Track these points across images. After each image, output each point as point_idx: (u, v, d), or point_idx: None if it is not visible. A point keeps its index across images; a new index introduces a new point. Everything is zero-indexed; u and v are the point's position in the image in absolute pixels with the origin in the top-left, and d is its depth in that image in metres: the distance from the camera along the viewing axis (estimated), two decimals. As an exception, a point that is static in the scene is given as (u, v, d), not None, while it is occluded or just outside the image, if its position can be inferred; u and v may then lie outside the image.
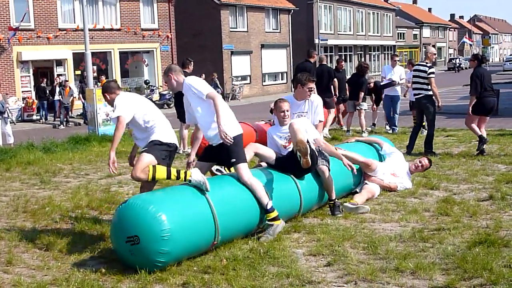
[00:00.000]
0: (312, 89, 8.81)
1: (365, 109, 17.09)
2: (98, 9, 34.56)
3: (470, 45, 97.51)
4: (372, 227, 7.55)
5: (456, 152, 13.27)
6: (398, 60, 18.34)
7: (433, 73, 13.15)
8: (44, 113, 29.03)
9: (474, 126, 13.08)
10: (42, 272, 6.27)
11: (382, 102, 18.31)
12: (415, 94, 13.54)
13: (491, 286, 5.43)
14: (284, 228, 7.35)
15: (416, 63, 14.66)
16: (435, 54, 14.12)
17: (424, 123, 13.85)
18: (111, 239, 6.52)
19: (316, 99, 9.07)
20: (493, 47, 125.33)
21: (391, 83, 17.50)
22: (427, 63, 13.44)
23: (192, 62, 14.72)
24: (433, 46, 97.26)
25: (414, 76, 13.60)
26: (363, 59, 58.21)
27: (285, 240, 7.05)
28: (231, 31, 44.21)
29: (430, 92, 13.13)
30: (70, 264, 6.49)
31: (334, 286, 5.66)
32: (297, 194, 7.80)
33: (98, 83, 28.31)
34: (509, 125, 17.74)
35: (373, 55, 70.56)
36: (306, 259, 6.44)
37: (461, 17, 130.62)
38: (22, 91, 30.73)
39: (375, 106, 18.41)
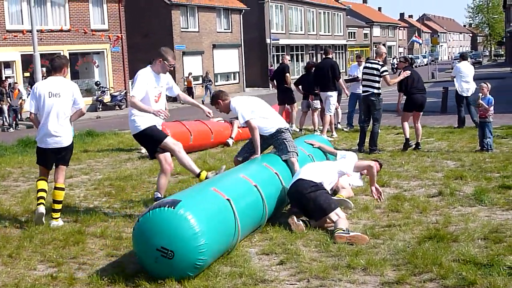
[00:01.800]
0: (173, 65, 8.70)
1: (318, 108, 17.17)
2: (47, 10, 33.98)
3: (420, 43, 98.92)
4: (324, 225, 7.61)
5: (407, 149, 13.45)
6: (361, 60, 18.32)
7: (386, 71, 13.51)
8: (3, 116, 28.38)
9: (406, 126, 13.53)
10: (-9, 278, 6.16)
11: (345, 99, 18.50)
12: (363, 91, 13.78)
13: (441, 280, 5.52)
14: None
15: (367, 60, 14.72)
16: (385, 53, 14.39)
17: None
18: (137, 234, 6.00)
19: None
20: (442, 45, 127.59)
21: (355, 79, 17.61)
22: (378, 61, 13.69)
23: None
24: (383, 45, 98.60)
25: (364, 73, 13.81)
26: (314, 59, 58.53)
27: (238, 240, 7.07)
28: (182, 31, 44.03)
29: (379, 91, 13.43)
30: (20, 269, 6.39)
31: (287, 284, 5.69)
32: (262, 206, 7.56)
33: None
34: (457, 123, 17.93)
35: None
36: (259, 258, 6.47)
37: (410, 16, 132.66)
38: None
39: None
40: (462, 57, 18.69)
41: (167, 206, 5.87)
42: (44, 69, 29.69)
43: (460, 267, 5.75)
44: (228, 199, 6.54)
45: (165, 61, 8.33)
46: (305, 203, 7.54)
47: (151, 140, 8.45)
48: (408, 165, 11.44)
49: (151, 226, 5.86)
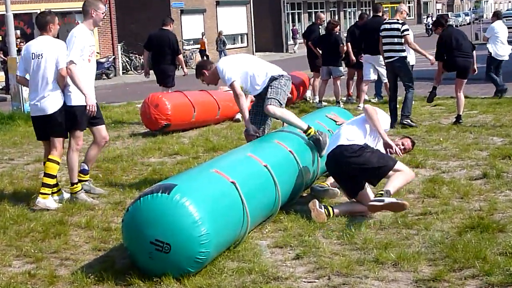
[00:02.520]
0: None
1: (342, 75, 17.08)
2: (20, -38, 33.92)
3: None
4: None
5: (445, 123, 13.38)
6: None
7: (407, 29, 13.59)
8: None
9: (460, 95, 13.50)
10: (-41, 276, 6.20)
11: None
12: (386, 58, 13.80)
13: (485, 277, 5.50)
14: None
15: (385, 21, 14.71)
16: (406, 11, 14.66)
17: None
18: (127, 226, 6.01)
19: None
20: (487, 1, 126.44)
21: None
22: (398, 20, 13.80)
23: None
24: (418, 0, 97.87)
25: (384, 36, 13.77)
26: (336, 18, 58.16)
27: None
28: (180, -14, 43.83)
29: (404, 53, 13.56)
30: (-7, 265, 6.44)
31: (304, 282, 5.68)
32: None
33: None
34: (507, 92, 17.83)
35: (349, 12, 70.49)
36: (271, 251, 6.46)
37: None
38: None
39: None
40: (497, 15, 18.66)
41: (160, 191, 5.82)
42: (18, 31, 29.72)
43: (507, 261, 5.72)
44: (233, 182, 6.48)
45: (97, 10, 8.73)
46: (352, 170, 7.53)
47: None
48: (447, 142, 11.38)
49: (143, 216, 5.82)
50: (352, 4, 70.47)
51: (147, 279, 5.76)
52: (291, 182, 7.85)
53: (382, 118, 8.22)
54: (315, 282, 5.67)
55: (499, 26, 17.66)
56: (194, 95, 15.26)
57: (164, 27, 15.96)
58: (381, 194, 7.12)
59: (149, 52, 15.96)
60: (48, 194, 8.45)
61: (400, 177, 7.41)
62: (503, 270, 5.56)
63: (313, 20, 20.12)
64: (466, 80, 13.77)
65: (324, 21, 18.73)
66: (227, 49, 43.46)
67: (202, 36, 41.39)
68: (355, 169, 7.50)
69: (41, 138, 8.98)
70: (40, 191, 8.42)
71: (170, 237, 5.71)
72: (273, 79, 8.63)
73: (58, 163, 8.67)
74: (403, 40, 13.49)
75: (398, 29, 13.49)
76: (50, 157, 8.58)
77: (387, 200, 6.97)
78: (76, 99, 8.58)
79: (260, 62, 9.08)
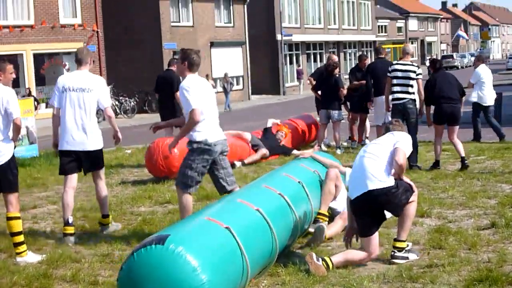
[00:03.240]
0: None
1: (342, 119, 17.07)
2: (6, 3, 34.10)
3: (466, 39, 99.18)
4: (349, 266, 7.55)
5: (451, 170, 13.37)
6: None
7: (421, 73, 13.84)
8: None
9: (437, 143, 13.98)
10: None
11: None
12: (397, 99, 13.94)
13: (495, 334, 5.47)
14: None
15: (396, 62, 14.96)
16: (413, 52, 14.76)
17: None
18: (123, 286, 5.93)
19: None
20: (493, 40, 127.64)
21: None
22: (412, 62, 14.10)
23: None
24: (422, 40, 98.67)
25: (396, 77, 13.99)
26: (337, 59, 58.51)
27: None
28: (172, 26, 43.97)
29: (415, 96, 13.78)
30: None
31: None
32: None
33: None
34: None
35: (349, 53, 71.03)
36: (269, 307, 6.42)
37: (455, 5, 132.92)
38: None
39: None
40: (481, 59, 18.64)
41: (154, 243, 5.78)
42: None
43: (518, 317, 5.70)
44: (227, 227, 6.44)
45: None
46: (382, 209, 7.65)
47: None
48: (453, 190, 11.35)
49: (139, 272, 5.74)
50: (352, 45, 71.04)
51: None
52: (285, 227, 7.82)
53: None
54: None
55: (484, 71, 17.76)
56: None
57: (169, 67, 16.14)
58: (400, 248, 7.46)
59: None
60: (25, 250, 8.44)
61: (408, 219, 7.64)
62: (514, 327, 5.53)
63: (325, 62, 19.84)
64: (458, 126, 13.92)
65: (337, 64, 18.70)
66: (220, 91, 43.70)
67: (207, 77, 41.91)
68: (384, 208, 7.61)
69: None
70: (16, 251, 8.43)
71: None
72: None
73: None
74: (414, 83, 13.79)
75: (414, 72, 13.81)
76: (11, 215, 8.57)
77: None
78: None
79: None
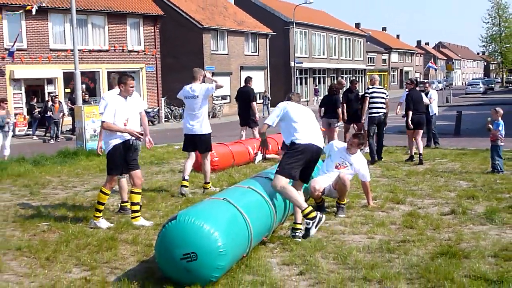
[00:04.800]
0: None
1: (338, 126, 16.98)
2: (88, 31, 34.40)
3: (435, 69, 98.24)
4: (342, 239, 7.54)
5: (421, 169, 13.34)
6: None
7: (388, 95, 15.53)
8: (34, 128, 28.72)
9: (412, 143, 14.92)
10: (30, 279, 6.18)
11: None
12: (376, 113, 14.90)
13: (452, 295, 5.44)
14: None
15: (374, 86, 15.53)
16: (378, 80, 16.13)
17: None
18: (159, 256, 5.97)
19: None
20: (456, 71, 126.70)
21: None
22: (381, 87, 15.78)
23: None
24: (401, 70, 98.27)
25: (375, 97, 15.01)
26: (335, 81, 58.41)
27: (261, 250, 7.01)
28: (212, 54, 44.18)
29: (385, 111, 15.14)
30: (56, 271, 6.41)
31: (306, 294, 5.63)
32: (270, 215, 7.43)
33: (87, 101, 28.29)
34: (471, 145, 17.88)
35: (345, 77, 70.73)
36: (280, 268, 6.40)
37: (427, 43, 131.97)
38: (14, 107, 30.38)
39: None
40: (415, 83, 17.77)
41: (169, 221, 5.98)
42: (84, 86, 30.01)
43: (471, 283, 5.66)
44: (224, 199, 6.61)
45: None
46: None
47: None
48: (422, 184, 11.33)
49: (167, 240, 5.87)
50: (348, 71, 70.79)
51: (180, 286, 5.72)
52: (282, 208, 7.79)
53: None
54: (314, 294, 5.62)
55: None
56: (233, 146, 14.92)
57: (246, 83, 16.29)
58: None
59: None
60: (138, 216, 8.63)
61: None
62: (467, 290, 5.50)
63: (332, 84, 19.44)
64: (422, 131, 14.91)
65: (344, 86, 18.71)
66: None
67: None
68: None
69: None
70: (132, 216, 8.65)
71: (194, 246, 5.71)
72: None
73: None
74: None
75: (385, 93, 15.25)
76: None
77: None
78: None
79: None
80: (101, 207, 8.57)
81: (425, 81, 18.90)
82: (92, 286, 5.90)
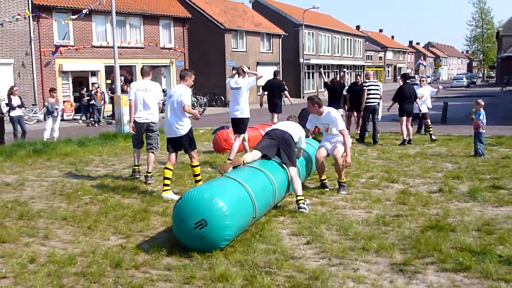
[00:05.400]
0: None
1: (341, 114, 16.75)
2: (126, 31, 34.32)
3: (424, 66, 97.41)
4: (343, 213, 7.44)
5: (412, 152, 13.16)
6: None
7: (381, 88, 15.95)
8: (82, 114, 28.83)
9: (404, 128, 14.71)
10: (73, 245, 6.15)
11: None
12: (372, 102, 15.32)
13: (441, 264, 5.32)
14: (272, 212, 7.27)
15: (370, 80, 15.92)
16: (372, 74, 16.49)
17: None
18: (178, 231, 5.89)
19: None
20: (443, 68, 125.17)
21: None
22: (376, 81, 15.92)
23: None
24: (395, 66, 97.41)
25: (372, 89, 15.45)
26: (338, 76, 58.01)
27: (273, 222, 6.93)
28: (232, 51, 43.97)
29: (379, 101, 15.66)
30: (96, 238, 6.37)
31: (312, 261, 5.53)
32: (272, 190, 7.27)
33: (126, 91, 28.42)
34: (455, 131, 17.62)
35: (347, 72, 70.20)
36: (290, 238, 6.32)
37: (418, 43, 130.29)
38: (63, 96, 30.51)
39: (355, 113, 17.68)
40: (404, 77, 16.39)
41: (178, 200, 5.94)
42: (122, 77, 30.01)
43: (457, 253, 5.54)
44: (222, 175, 6.60)
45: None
46: None
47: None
48: (413, 166, 11.16)
49: (182, 215, 5.80)
50: (349, 67, 70.21)
51: (203, 253, 5.66)
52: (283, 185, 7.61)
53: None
54: (320, 261, 5.53)
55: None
56: (248, 131, 14.74)
57: (275, 76, 16.25)
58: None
59: (264, 92, 15.95)
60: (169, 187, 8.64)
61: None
62: (454, 260, 5.38)
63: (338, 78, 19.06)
64: (411, 118, 15.08)
65: (345, 80, 18.61)
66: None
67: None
68: None
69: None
70: (164, 189, 8.58)
71: (203, 214, 5.67)
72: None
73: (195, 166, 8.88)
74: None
75: (379, 86, 15.63)
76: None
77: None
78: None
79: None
80: (199, 177, 8.85)
81: (422, 76, 18.13)
82: (127, 252, 5.85)
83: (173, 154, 8.73)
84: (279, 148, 7.75)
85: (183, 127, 8.47)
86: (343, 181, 8.94)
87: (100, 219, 7.17)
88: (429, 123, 16.13)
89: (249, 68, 12.45)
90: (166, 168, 8.65)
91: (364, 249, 5.79)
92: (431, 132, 15.76)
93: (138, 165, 10.40)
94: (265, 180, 7.05)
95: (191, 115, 8.58)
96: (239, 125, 11.21)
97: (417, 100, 15.59)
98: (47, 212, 7.61)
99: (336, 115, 8.89)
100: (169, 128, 8.53)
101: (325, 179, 9.13)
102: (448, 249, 5.67)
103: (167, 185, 8.58)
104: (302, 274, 5.13)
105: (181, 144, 8.61)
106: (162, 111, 11.83)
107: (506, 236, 6.07)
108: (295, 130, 8.12)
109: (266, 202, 6.92)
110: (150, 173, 9.80)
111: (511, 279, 4.88)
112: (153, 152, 9.92)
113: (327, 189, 8.93)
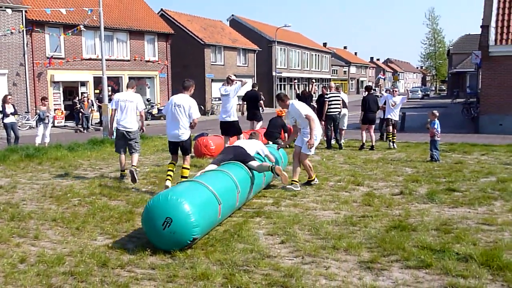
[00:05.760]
0: None
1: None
2: (113, 45, 33.85)
3: (384, 79, 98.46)
4: (315, 214, 7.33)
5: (375, 158, 13.16)
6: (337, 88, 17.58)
7: (341, 98, 15.87)
8: (76, 120, 28.23)
9: (363, 134, 14.99)
10: (62, 245, 5.91)
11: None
12: (334, 111, 15.23)
13: (405, 261, 5.24)
14: (249, 214, 7.13)
15: (331, 92, 15.64)
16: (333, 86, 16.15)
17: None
18: (150, 235, 5.67)
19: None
20: (400, 81, 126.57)
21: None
22: (336, 92, 15.76)
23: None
24: (357, 80, 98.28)
25: (334, 100, 15.30)
26: (307, 88, 58.19)
27: (250, 223, 6.79)
28: (211, 65, 43.78)
29: (339, 110, 15.45)
30: (84, 239, 6.15)
31: (287, 259, 5.40)
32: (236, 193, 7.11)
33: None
34: (413, 139, 17.75)
35: (315, 84, 70.49)
36: (266, 238, 6.18)
37: (378, 59, 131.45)
38: (54, 104, 29.92)
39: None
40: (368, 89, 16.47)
41: (147, 203, 5.76)
42: (110, 88, 29.57)
43: (419, 251, 5.46)
44: (208, 187, 6.28)
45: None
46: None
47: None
48: (376, 170, 11.14)
49: (148, 216, 5.64)
50: (317, 80, 70.46)
51: (184, 252, 5.49)
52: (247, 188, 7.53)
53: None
54: (294, 260, 5.40)
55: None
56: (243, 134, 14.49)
57: (253, 88, 15.97)
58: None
59: (244, 102, 15.71)
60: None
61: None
62: (416, 257, 5.31)
63: (304, 90, 18.89)
64: (374, 126, 15.10)
65: (316, 91, 18.56)
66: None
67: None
68: None
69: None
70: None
71: (169, 213, 5.50)
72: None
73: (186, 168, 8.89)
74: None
75: (339, 97, 15.63)
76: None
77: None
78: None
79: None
80: (171, 173, 8.85)
81: (395, 87, 17.91)
82: (113, 252, 5.64)
83: (175, 155, 8.99)
84: (235, 161, 7.96)
85: (184, 134, 8.62)
86: (311, 179, 9.34)
87: (88, 220, 6.94)
88: (395, 132, 15.77)
89: (236, 77, 12.54)
90: (170, 163, 8.93)
91: (334, 248, 5.69)
92: (394, 140, 15.37)
93: (124, 170, 10.28)
94: (229, 181, 6.93)
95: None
96: (229, 128, 11.53)
97: (392, 107, 15.56)
98: (37, 214, 7.34)
99: (298, 105, 9.18)
100: (173, 133, 8.63)
101: (312, 179, 9.43)
102: (411, 248, 5.60)
103: (170, 175, 8.74)
104: (277, 272, 5.00)
105: (181, 147, 8.77)
106: (146, 118, 11.96)
107: (462, 235, 6.04)
108: (251, 146, 8.48)
109: (230, 203, 6.83)
110: (135, 166, 9.76)
111: (468, 276, 4.83)
112: (135, 153, 10.01)
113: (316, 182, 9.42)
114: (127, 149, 10.11)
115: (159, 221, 5.53)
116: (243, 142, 8.66)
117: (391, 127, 15.62)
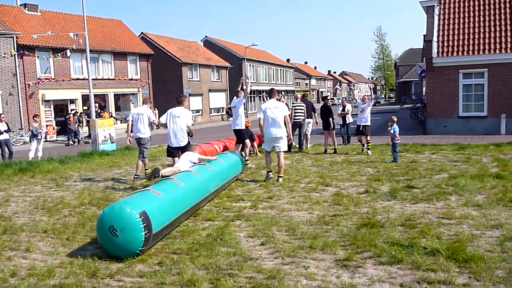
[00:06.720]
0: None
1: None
2: (99, 65, 33.00)
3: (340, 90, 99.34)
4: (290, 215, 7.02)
5: (339, 160, 12.96)
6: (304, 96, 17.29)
7: (305, 107, 15.65)
8: (69, 135, 27.20)
9: (328, 139, 14.90)
10: (53, 256, 5.45)
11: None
12: (299, 118, 15.13)
13: (377, 258, 4.98)
14: (230, 217, 6.78)
15: (297, 102, 15.62)
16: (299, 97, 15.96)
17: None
18: (104, 244, 5.32)
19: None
20: (354, 91, 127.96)
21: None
22: (301, 102, 15.70)
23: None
24: (318, 90, 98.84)
25: (299, 108, 15.26)
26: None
27: (231, 226, 6.44)
28: (188, 81, 43.21)
29: (304, 117, 15.32)
30: (75, 249, 5.70)
31: (268, 261, 5.08)
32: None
33: (100, 115, 27.41)
34: (372, 141, 17.47)
35: (284, 96, 70.52)
36: (247, 240, 5.85)
37: (335, 72, 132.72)
38: (46, 120, 28.95)
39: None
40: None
41: (102, 212, 5.34)
42: (97, 104, 28.76)
43: (389, 247, 5.21)
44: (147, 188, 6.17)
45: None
46: None
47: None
48: (341, 171, 10.91)
49: (102, 223, 5.25)
50: (283, 92, 70.45)
51: (171, 259, 5.09)
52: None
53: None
54: (274, 260, 5.08)
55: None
56: (216, 143, 13.69)
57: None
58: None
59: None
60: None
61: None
62: (387, 253, 5.06)
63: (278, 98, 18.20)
64: (334, 131, 14.93)
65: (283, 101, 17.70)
66: (214, 115, 42.69)
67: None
68: None
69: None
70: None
71: (116, 222, 5.12)
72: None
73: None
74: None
75: (303, 106, 15.42)
76: None
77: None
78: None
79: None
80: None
81: (365, 95, 17.37)
82: (103, 262, 5.22)
83: (176, 158, 9.35)
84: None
85: (184, 139, 9.54)
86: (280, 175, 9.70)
87: (78, 230, 6.48)
88: (368, 138, 14.54)
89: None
90: (168, 166, 9.28)
91: (311, 248, 5.39)
92: (369, 147, 14.27)
93: (138, 175, 10.51)
94: (179, 188, 6.50)
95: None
96: (237, 134, 11.95)
97: (361, 112, 15.05)
98: (29, 226, 6.83)
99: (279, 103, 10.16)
100: (175, 139, 9.53)
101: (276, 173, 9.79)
102: (381, 244, 5.34)
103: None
104: (260, 274, 4.67)
105: (181, 149, 9.34)
106: (158, 127, 13.06)
107: (426, 230, 5.82)
108: (191, 157, 8.41)
109: (193, 185, 6.70)
110: (137, 175, 10.29)
111: (437, 269, 4.60)
112: (142, 160, 10.52)
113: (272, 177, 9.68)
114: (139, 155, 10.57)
115: (107, 227, 5.16)
116: (181, 159, 8.30)
117: (368, 137, 14.47)
